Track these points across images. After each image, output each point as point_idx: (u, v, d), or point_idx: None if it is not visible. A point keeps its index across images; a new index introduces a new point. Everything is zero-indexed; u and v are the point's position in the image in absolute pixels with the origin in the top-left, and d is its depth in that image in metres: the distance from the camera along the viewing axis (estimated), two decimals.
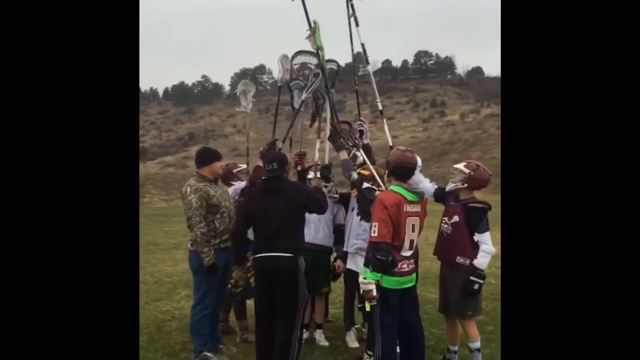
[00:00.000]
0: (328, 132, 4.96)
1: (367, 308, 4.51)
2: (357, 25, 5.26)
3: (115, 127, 2.33)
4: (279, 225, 4.22)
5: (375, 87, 5.34)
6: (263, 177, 4.50)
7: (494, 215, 4.27)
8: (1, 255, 2.08)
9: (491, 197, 4.84)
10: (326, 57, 5.07)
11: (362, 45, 5.36)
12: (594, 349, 2.13)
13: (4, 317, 2.07)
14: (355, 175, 4.80)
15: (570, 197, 2.20)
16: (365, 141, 5.02)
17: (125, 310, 2.31)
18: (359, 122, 5.14)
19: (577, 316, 2.16)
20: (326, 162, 5.37)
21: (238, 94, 5.66)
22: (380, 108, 5.22)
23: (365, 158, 5.02)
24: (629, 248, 2.11)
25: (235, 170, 5.75)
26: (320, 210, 4.59)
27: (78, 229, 2.22)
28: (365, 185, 4.70)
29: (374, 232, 3.85)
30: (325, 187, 5.58)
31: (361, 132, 5.06)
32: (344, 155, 4.87)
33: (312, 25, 4.99)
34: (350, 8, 5.28)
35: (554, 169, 2.23)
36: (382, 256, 3.79)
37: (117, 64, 2.35)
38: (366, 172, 4.85)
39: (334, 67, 5.34)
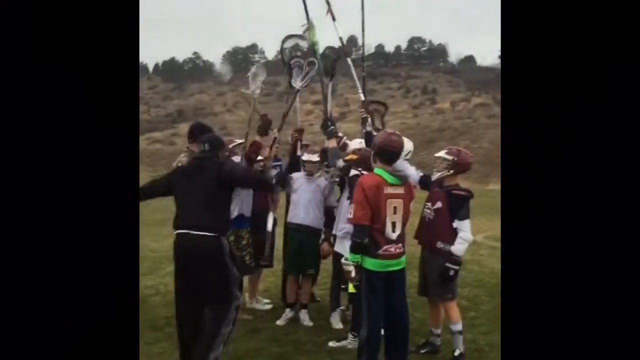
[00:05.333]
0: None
1: (350, 289, 4.57)
2: (333, 20, 5.44)
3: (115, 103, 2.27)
4: (200, 202, 3.92)
5: (357, 80, 5.44)
6: (194, 157, 4.28)
7: (492, 205, 4.32)
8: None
9: (477, 185, 4.90)
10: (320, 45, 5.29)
11: (340, 39, 5.56)
12: (594, 347, 2.10)
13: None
14: (340, 163, 4.83)
15: (572, 194, 2.16)
16: (368, 129, 5.00)
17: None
18: (362, 110, 5.18)
19: (579, 314, 2.13)
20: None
21: (250, 77, 5.51)
22: (363, 99, 5.30)
23: (349, 144, 5.12)
24: (635, 241, 2.06)
25: (231, 146, 5.47)
26: (255, 187, 5.04)
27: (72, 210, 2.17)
28: (353, 172, 4.72)
29: (351, 213, 3.86)
30: (327, 172, 5.56)
31: (364, 120, 5.09)
32: (332, 143, 4.91)
33: (308, 23, 5.30)
34: (327, 3, 5.41)
35: (554, 163, 2.20)
36: (357, 238, 3.81)
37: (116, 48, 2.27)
38: (355, 157, 4.89)
39: (332, 54, 5.58)
